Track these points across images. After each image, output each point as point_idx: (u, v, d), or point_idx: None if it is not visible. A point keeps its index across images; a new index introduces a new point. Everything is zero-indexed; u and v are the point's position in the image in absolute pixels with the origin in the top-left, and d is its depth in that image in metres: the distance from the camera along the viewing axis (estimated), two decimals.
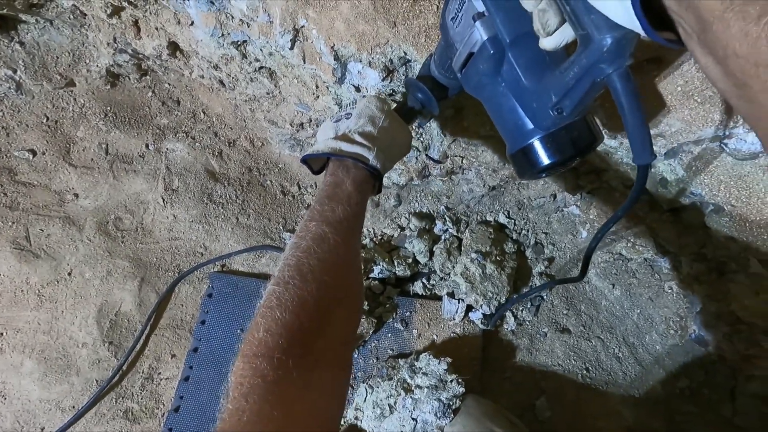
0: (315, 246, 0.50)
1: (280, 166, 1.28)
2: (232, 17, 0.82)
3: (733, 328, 0.90)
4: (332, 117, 0.68)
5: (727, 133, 0.61)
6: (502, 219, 1.20)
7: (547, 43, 0.41)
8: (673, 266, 1.04)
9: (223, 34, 0.85)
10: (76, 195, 1.15)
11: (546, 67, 0.45)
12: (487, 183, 1.10)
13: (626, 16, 0.31)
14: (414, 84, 0.69)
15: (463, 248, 1.15)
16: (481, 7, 0.46)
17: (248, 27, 0.83)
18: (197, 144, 1.24)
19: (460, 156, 1.05)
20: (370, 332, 1.09)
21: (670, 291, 1.06)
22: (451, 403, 1.01)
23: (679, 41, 0.31)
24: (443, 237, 1.18)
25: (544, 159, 0.47)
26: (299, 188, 1.28)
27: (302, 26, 0.78)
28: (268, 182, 1.27)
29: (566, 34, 0.39)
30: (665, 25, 0.31)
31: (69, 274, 1.08)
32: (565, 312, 1.14)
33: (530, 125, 0.47)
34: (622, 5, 0.30)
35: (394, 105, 0.74)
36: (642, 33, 0.31)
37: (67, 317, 1.05)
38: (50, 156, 1.16)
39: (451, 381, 1.01)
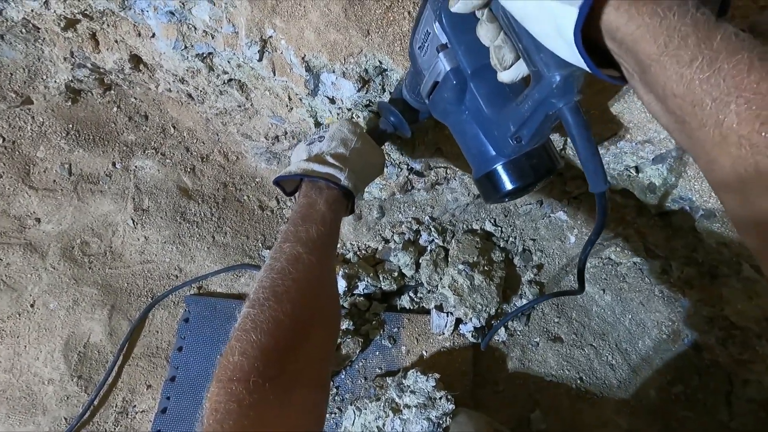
0: (289, 267, 0.51)
1: (257, 180, 1.23)
2: (195, 28, 0.77)
3: (727, 332, 0.89)
4: (305, 140, 0.69)
5: None
6: (489, 227, 1.16)
7: (504, 77, 0.42)
8: (663, 270, 1.03)
9: (186, 47, 0.80)
10: (38, 220, 1.08)
11: (506, 97, 0.47)
12: (471, 191, 1.06)
13: (572, 55, 0.32)
14: (386, 107, 0.70)
15: (450, 259, 1.12)
16: (444, 39, 0.48)
17: (212, 38, 0.78)
18: (168, 160, 1.18)
19: (443, 166, 1.01)
20: (357, 351, 1.05)
21: (660, 295, 1.04)
22: (441, 422, 0.97)
23: (623, 78, 0.33)
24: (429, 248, 1.14)
25: (507, 184, 0.49)
26: (278, 203, 1.23)
27: (270, 36, 0.74)
28: (245, 197, 1.21)
29: (521, 68, 0.41)
30: (610, 62, 0.32)
31: (32, 305, 1.01)
32: (556, 320, 1.11)
33: (493, 152, 0.49)
34: (567, 45, 0.31)
35: (366, 128, 0.75)
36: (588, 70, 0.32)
37: (31, 352, 0.97)
38: (8, 179, 1.09)
39: (440, 398, 0.97)
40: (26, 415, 0.94)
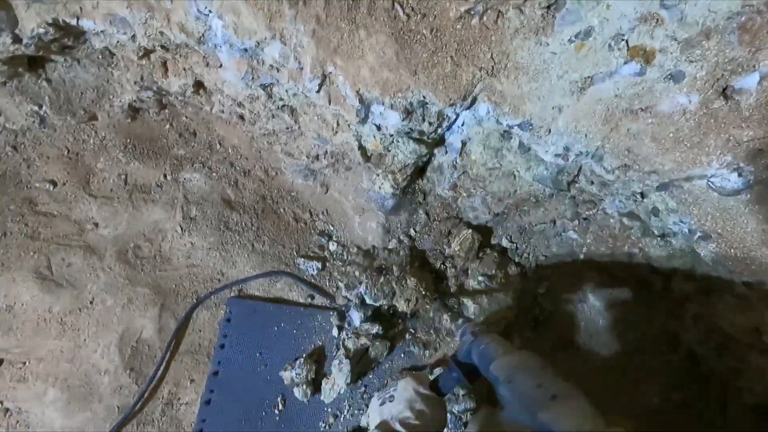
0: None
1: (292, 194, 1.34)
2: (263, 63, 0.89)
3: (722, 343, 0.99)
4: (378, 396, 0.82)
5: (712, 173, 0.70)
6: (505, 243, 1.27)
7: None
8: (664, 287, 1.13)
9: (253, 78, 0.92)
10: (96, 224, 1.19)
11: None
12: (492, 210, 1.18)
13: None
14: (453, 368, 0.82)
15: (470, 272, 1.22)
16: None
17: (278, 72, 0.90)
18: (213, 174, 1.29)
19: (467, 191, 1.13)
20: (384, 354, 1.14)
21: (660, 309, 1.14)
22: (462, 416, 1.06)
23: None
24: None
25: None
26: (311, 215, 1.34)
27: (330, 72, 0.86)
28: (281, 210, 1.32)
29: None
30: None
31: (91, 302, 1.10)
32: (564, 328, 1.21)
33: None
34: None
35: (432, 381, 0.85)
36: None
37: (90, 345, 1.07)
38: (70, 187, 1.20)
39: (463, 395, 1.07)
40: (84, 403, 1.03)
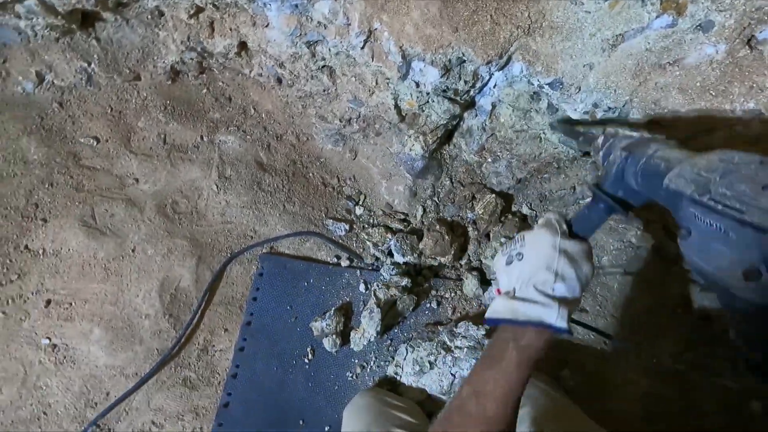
0: (457, 417, 0.55)
1: (321, 160, 1.40)
2: (312, 19, 0.95)
3: None
4: (503, 252, 0.66)
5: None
6: (525, 210, 1.33)
7: None
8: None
9: (300, 34, 0.98)
10: (137, 180, 1.24)
11: None
12: (515, 175, 1.23)
13: None
14: (601, 197, 0.65)
15: (492, 235, 1.28)
16: (758, 264, 0.41)
17: (325, 28, 0.96)
18: (248, 137, 1.35)
19: (493, 155, 1.18)
20: (411, 309, 1.19)
21: (677, 275, 1.20)
22: None
23: None
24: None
25: None
26: (338, 180, 1.39)
27: (375, 29, 0.92)
28: (311, 174, 1.38)
29: None
30: None
31: (133, 250, 1.16)
32: (583, 294, 1.26)
33: None
34: None
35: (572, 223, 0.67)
36: None
37: (132, 290, 1.12)
38: (112, 143, 1.25)
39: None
40: (126, 343, 1.08)
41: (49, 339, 1.04)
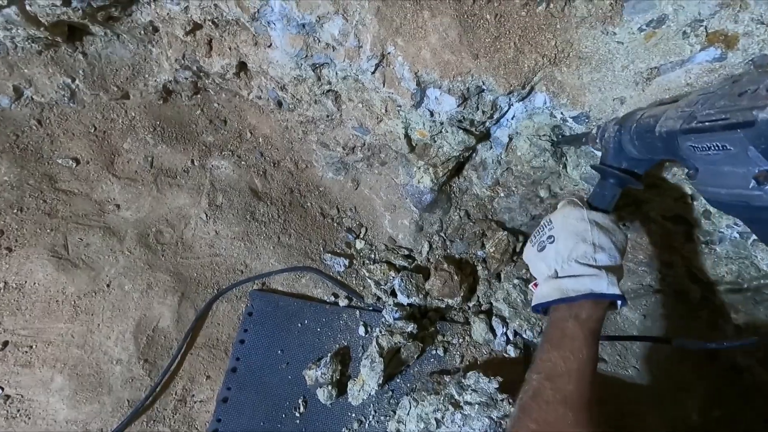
0: (533, 403, 0.52)
1: (320, 189, 1.30)
2: (320, 40, 0.88)
3: (767, 353, 0.96)
4: (531, 241, 0.66)
5: None
6: None
7: None
8: (704, 297, 1.11)
9: (306, 56, 0.90)
10: (118, 206, 1.13)
11: None
12: (529, 212, 1.15)
13: None
14: (609, 172, 0.68)
15: (503, 275, 1.18)
16: (765, 165, 0.42)
17: (333, 50, 0.88)
18: (243, 162, 1.25)
19: (506, 190, 1.11)
20: (415, 356, 1.08)
21: (700, 319, 1.11)
22: (502, 422, 0.99)
23: None
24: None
25: None
26: (338, 211, 1.30)
27: (389, 53, 0.84)
28: (309, 204, 1.28)
29: None
30: None
31: (107, 285, 1.03)
32: (601, 342, 1.17)
33: None
34: None
35: (590, 201, 0.70)
36: None
37: (104, 331, 0.99)
38: (94, 165, 1.15)
39: (502, 400, 1.01)
40: (92, 394, 0.94)
41: (2, 388, 0.90)
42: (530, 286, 0.67)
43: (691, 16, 0.68)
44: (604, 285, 0.55)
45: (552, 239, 0.61)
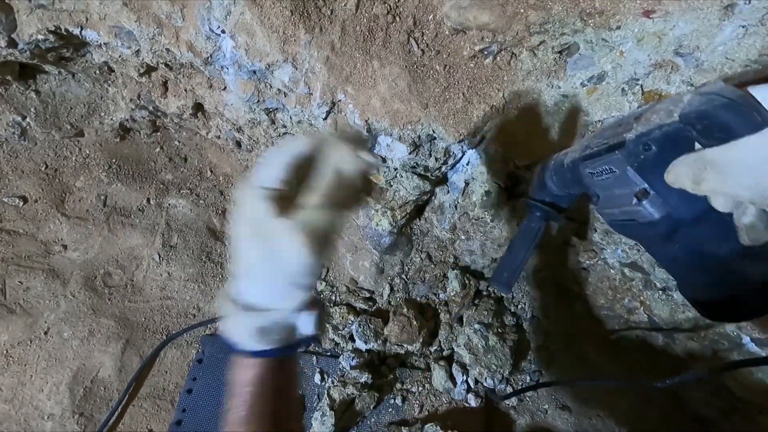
0: None
1: None
2: (271, 87, 0.87)
3: (731, 405, 0.94)
4: None
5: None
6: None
7: (752, 244, 0.37)
8: (666, 343, 1.09)
9: (258, 101, 0.89)
10: (65, 246, 1.09)
11: (736, 242, 0.40)
12: (490, 255, 1.14)
13: None
14: (534, 205, 0.72)
15: (465, 319, 1.16)
16: (642, 185, 0.46)
17: (285, 96, 0.88)
18: (201, 201, 1.23)
19: (466, 233, 1.10)
20: (371, 407, 1.03)
21: (664, 366, 1.09)
22: None
23: None
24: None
25: (726, 317, 0.47)
26: None
27: (339, 100, 0.84)
28: None
29: None
30: None
31: (45, 332, 0.98)
32: (564, 388, 1.14)
33: (712, 287, 0.45)
34: None
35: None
36: None
37: (36, 383, 0.93)
38: (42, 204, 1.11)
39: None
40: None
41: None
42: None
43: (628, 75, 0.70)
44: (237, 334, 0.43)
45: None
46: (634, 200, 0.47)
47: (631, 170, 0.47)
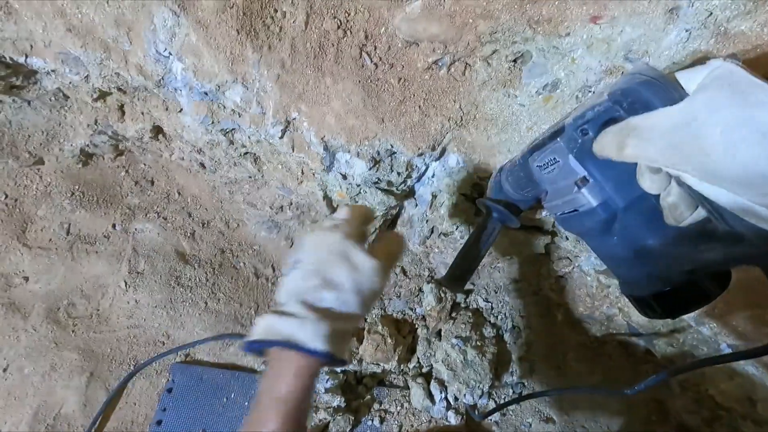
0: None
1: (255, 247, 1.25)
2: (224, 107, 0.85)
3: (713, 413, 0.91)
4: (286, 264, 0.53)
5: None
6: (480, 303, 1.20)
7: (677, 224, 0.39)
8: (647, 350, 1.07)
9: (213, 122, 0.87)
10: (26, 278, 1.06)
11: (666, 228, 0.42)
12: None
13: None
14: (491, 206, 0.71)
15: (443, 333, 1.13)
16: (582, 173, 0.47)
17: (239, 116, 0.86)
18: (169, 224, 1.20)
19: (438, 247, 1.07)
20: (347, 430, 1.00)
21: (646, 374, 1.07)
22: None
23: None
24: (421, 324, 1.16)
25: (661, 313, 0.47)
26: (273, 270, 1.24)
27: (294, 119, 0.82)
28: (241, 264, 1.22)
29: (699, 215, 0.38)
30: None
31: (4, 369, 0.95)
32: (548, 400, 1.11)
33: (647, 280, 0.46)
34: None
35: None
36: None
37: None
38: (2, 236, 1.08)
39: None
40: None
41: None
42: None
43: (581, 82, 0.68)
44: (307, 335, 0.43)
45: (297, 264, 0.49)
46: (575, 188, 0.48)
47: (572, 158, 0.48)
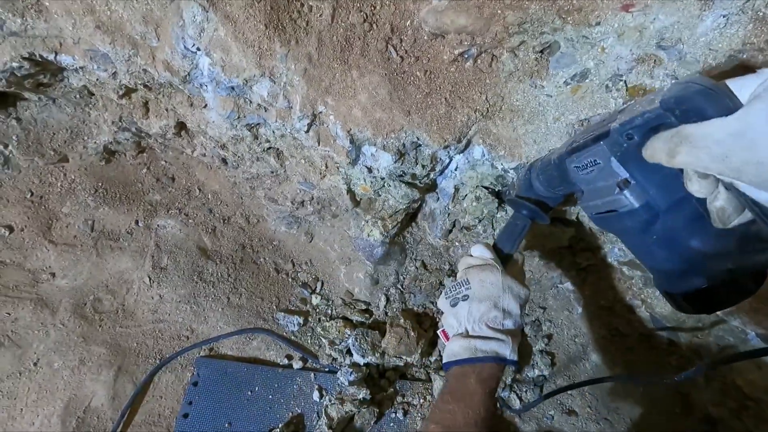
0: None
1: (274, 243, 1.26)
2: (251, 102, 0.86)
3: (740, 404, 0.91)
4: (446, 294, 0.68)
5: None
6: None
7: (722, 226, 0.41)
8: (671, 341, 1.07)
9: (239, 117, 0.88)
10: (53, 274, 1.07)
11: (709, 228, 0.43)
12: None
13: None
14: (521, 203, 0.72)
15: None
16: (624, 175, 0.48)
17: (265, 111, 0.86)
18: (190, 220, 1.21)
19: (459, 241, 1.08)
20: (372, 422, 1.01)
21: (670, 366, 1.07)
22: None
23: None
24: None
25: (704, 308, 0.48)
26: (293, 266, 1.25)
27: (320, 112, 0.83)
28: (262, 260, 1.23)
29: (745, 217, 0.39)
30: None
31: (35, 364, 0.96)
32: (570, 393, 1.11)
33: (692, 275, 0.47)
34: None
35: (497, 242, 0.74)
36: None
37: (27, 416, 0.91)
38: (29, 232, 1.09)
39: None
40: None
41: None
42: (439, 332, 0.70)
43: (611, 71, 0.68)
44: (509, 351, 0.60)
45: (466, 298, 0.64)
46: (617, 190, 0.49)
47: (614, 160, 0.49)
